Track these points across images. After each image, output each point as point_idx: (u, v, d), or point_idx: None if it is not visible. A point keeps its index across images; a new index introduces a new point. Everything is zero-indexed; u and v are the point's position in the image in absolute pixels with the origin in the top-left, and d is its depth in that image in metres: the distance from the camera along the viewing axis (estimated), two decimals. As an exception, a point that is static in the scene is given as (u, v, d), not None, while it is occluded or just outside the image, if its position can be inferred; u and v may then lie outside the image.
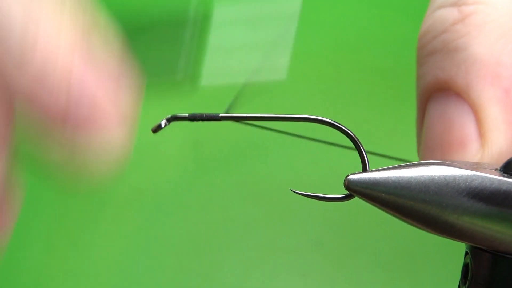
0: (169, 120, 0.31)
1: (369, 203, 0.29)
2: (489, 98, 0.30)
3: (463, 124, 0.30)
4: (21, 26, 0.25)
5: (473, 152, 0.30)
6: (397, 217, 0.29)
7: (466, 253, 0.31)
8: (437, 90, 0.31)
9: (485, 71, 0.29)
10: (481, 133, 0.30)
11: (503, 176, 0.28)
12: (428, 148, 0.31)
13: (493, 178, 0.28)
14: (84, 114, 0.26)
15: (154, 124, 0.32)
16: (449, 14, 0.31)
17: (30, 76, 0.25)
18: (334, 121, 0.30)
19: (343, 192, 0.30)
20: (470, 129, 0.30)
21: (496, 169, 0.29)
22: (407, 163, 0.29)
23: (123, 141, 0.29)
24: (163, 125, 0.31)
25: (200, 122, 0.31)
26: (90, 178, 0.29)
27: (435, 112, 0.31)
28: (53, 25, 0.26)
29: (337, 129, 0.30)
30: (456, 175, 0.28)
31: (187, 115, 0.31)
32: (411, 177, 0.29)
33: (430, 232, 0.29)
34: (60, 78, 0.26)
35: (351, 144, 0.30)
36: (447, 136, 0.30)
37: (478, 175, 0.28)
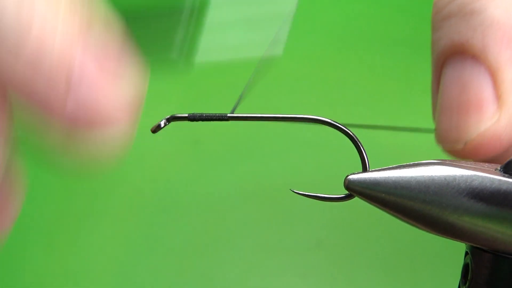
0: (168, 120, 0.31)
1: (369, 203, 0.29)
2: (506, 60, 0.29)
3: (480, 86, 0.30)
4: (14, 9, 0.24)
5: (489, 115, 0.30)
6: (397, 217, 0.29)
7: (466, 253, 0.31)
8: (453, 53, 0.31)
9: (502, 34, 0.29)
10: (498, 95, 0.30)
11: (503, 176, 0.28)
12: (444, 111, 0.31)
13: (493, 178, 0.28)
14: (84, 107, 0.24)
15: (153, 124, 0.31)
16: None
17: (25, 63, 0.24)
18: (334, 121, 0.30)
19: (344, 192, 0.30)
20: (487, 92, 0.30)
21: (496, 169, 0.29)
22: (407, 163, 0.29)
23: (126, 132, 0.27)
24: (162, 125, 0.31)
25: (200, 122, 0.31)
26: (91, 166, 0.27)
27: (451, 75, 0.31)
28: (49, 9, 0.24)
29: (337, 129, 0.30)
30: (456, 175, 0.28)
31: (186, 115, 0.31)
32: (411, 177, 0.29)
33: (430, 232, 0.29)
34: (58, 65, 0.24)
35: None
36: (463, 99, 0.30)
37: (478, 175, 0.28)
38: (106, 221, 0.61)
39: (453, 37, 0.30)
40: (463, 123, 0.30)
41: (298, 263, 0.58)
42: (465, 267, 0.31)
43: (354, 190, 0.29)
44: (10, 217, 0.28)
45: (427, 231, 0.29)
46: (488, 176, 0.28)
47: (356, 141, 0.30)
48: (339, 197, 0.31)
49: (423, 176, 0.29)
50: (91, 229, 0.61)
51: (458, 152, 0.31)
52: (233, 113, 0.31)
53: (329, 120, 0.30)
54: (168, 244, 0.60)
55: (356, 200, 0.31)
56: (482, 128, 0.30)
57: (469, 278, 0.30)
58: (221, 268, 0.58)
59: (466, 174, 0.28)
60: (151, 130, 0.32)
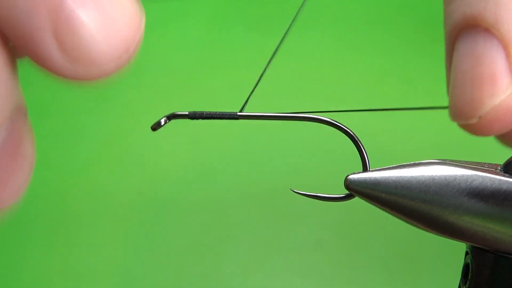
0: (169, 118, 0.30)
1: (369, 202, 0.29)
2: None
3: (493, 59, 0.29)
4: None
5: (503, 87, 0.29)
6: (398, 217, 0.29)
7: (467, 253, 0.31)
8: (465, 27, 0.30)
9: None
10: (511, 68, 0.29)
11: (504, 176, 0.28)
12: (457, 85, 0.30)
13: (494, 178, 0.28)
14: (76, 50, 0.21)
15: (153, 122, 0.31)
16: None
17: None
18: (334, 121, 0.30)
19: (344, 191, 0.30)
20: (501, 64, 0.29)
21: (496, 169, 0.29)
22: (407, 163, 0.29)
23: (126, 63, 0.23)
24: (162, 123, 0.30)
25: (200, 121, 0.31)
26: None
27: (464, 49, 0.30)
28: None
29: (337, 128, 0.30)
30: (456, 175, 0.28)
31: (187, 113, 0.31)
32: (412, 176, 0.29)
33: (430, 232, 0.29)
34: None
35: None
36: (477, 72, 0.29)
37: (478, 175, 0.28)
38: (106, 221, 0.61)
39: (465, 10, 0.30)
40: (476, 96, 0.29)
41: (298, 263, 0.58)
42: (466, 267, 0.31)
43: (354, 190, 0.29)
44: (18, 184, 0.25)
45: (428, 231, 0.29)
46: (488, 176, 0.28)
47: (356, 141, 0.30)
48: (339, 197, 0.31)
49: (423, 175, 0.29)
50: (91, 229, 0.61)
51: (473, 127, 0.30)
52: (241, 111, 0.31)
53: (330, 120, 0.30)
54: (168, 244, 0.60)
55: (356, 200, 0.30)
56: (497, 101, 0.29)
57: (469, 278, 0.30)
58: (221, 268, 0.58)
59: (467, 173, 0.28)
60: (151, 128, 0.31)
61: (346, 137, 0.30)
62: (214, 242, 0.60)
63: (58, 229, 0.61)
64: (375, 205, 0.29)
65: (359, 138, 0.30)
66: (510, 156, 0.29)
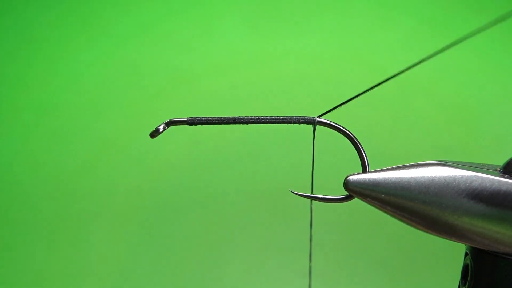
0: (167, 125, 0.31)
1: (368, 203, 0.29)
2: None
3: None
4: None
5: None
6: (397, 218, 0.29)
7: (466, 254, 0.31)
8: None
9: None
10: None
11: (503, 177, 0.28)
12: None
13: (493, 179, 0.28)
14: None
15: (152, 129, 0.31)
16: None
17: None
18: (333, 122, 0.30)
19: (343, 193, 0.30)
20: None
21: (496, 170, 0.29)
22: (407, 164, 0.29)
23: None
24: (161, 130, 0.31)
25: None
26: None
27: None
28: None
29: (336, 130, 0.30)
30: (456, 176, 0.28)
31: (185, 119, 0.31)
32: (411, 177, 0.29)
33: (430, 233, 0.29)
34: None
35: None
36: None
37: (478, 176, 0.28)
38: (106, 221, 0.61)
39: None
40: None
41: (298, 263, 0.58)
42: (465, 268, 0.31)
43: (353, 191, 0.29)
44: None
45: (427, 232, 0.29)
46: (488, 177, 0.28)
47: (355, 142, 0.30)
48: (338, 198, 0.31)
49: (423, 176, 0.29)
50: (91, 229, 0.61)
51: None
52: (234, 118, 0.31)
53: (328, 121, 0.30)
54: (168, 244, 0.60)
55: (357, 201, 0.30)
56: None
57: (468, 279, 0.30)
58: (221, 268, 0.58)
59: (466, 175, 0.28)
60: (149, 135, 0.31)
61: (346, 138, 0.30)
62: (213, 242, 0.60)
63: (59, 229, 0.61)
64: (374, 206, 0.29)
65: (358, 140, 0.30)
66: (510, 157, 0.29)
